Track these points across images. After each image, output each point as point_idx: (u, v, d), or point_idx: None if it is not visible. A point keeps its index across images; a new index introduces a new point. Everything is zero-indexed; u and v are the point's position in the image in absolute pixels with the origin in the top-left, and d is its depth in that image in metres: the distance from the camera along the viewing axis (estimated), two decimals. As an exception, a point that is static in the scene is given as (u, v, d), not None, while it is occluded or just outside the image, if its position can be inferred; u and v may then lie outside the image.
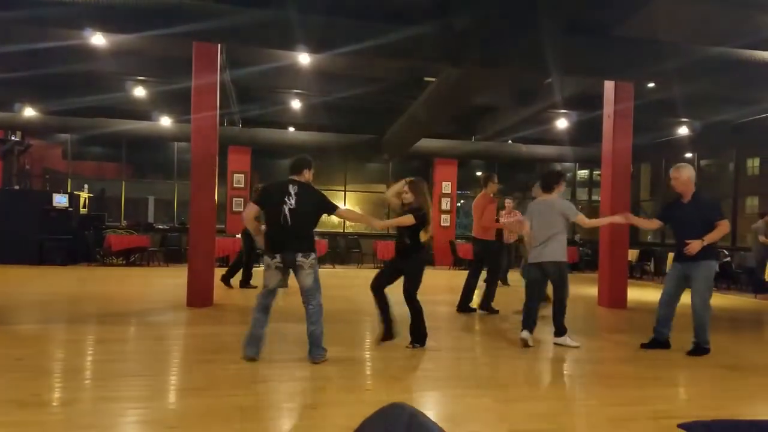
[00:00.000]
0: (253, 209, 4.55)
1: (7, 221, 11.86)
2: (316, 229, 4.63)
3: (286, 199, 4.34)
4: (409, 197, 4.96)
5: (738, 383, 4.38)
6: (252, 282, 9.11)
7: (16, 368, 4.12)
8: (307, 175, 4.55)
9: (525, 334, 5.27)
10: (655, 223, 5.49)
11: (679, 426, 1.37)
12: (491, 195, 7.37)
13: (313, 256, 4.41)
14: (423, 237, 4.90)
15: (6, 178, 14.11)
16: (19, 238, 11.90)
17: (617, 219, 5.87)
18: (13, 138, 14.09)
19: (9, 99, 12.36)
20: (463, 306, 7.31)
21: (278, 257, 4.34)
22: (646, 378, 4.39)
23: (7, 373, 3.98)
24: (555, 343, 5.39)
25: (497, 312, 7.25)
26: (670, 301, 5.28)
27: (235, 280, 9.21)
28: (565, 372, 4.66)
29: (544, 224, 5.36)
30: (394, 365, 4.62)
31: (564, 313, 5.41)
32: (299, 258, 4.34)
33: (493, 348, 5.50)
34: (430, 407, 3.59)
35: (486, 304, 7.28)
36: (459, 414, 3.47)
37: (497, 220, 7.59)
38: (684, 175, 5.12)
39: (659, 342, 5.30)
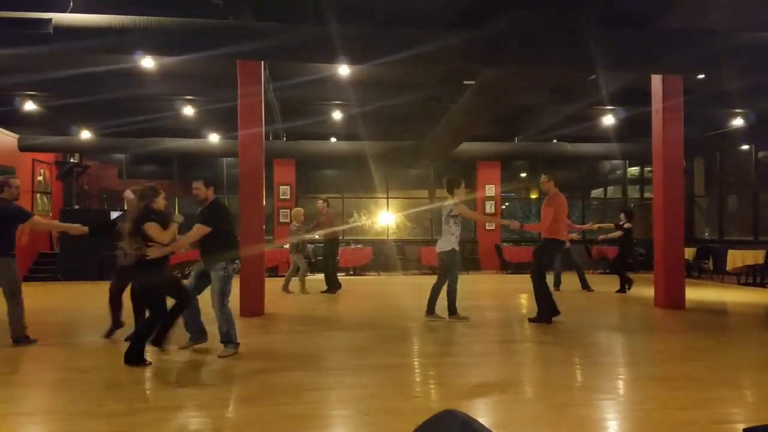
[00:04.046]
0: None
1: (69, 240, 12.48)
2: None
3: None
4: None
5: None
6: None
7: (82, 381, 4.34)
8: None
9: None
10: None
11: (745, 430, 1.31)
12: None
13: None
14: None
15: (66, 198, 14.87)
16: (80, 256, 12.51)
17: None
18: (71, 160, 14.90)
19: (66, 123, 13.05)
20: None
21: None
22: (707, 380, 4.22)
23: (74, 386, 4.20)
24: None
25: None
26: None
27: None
28: (621, 375, 4.53)
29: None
30: (441, 372, 4.60)
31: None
32: None
33: (543, 352, 5.40)
34: (482, 414, 3.55)
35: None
36: (512, 420, 3.42)
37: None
38: None
39: None
